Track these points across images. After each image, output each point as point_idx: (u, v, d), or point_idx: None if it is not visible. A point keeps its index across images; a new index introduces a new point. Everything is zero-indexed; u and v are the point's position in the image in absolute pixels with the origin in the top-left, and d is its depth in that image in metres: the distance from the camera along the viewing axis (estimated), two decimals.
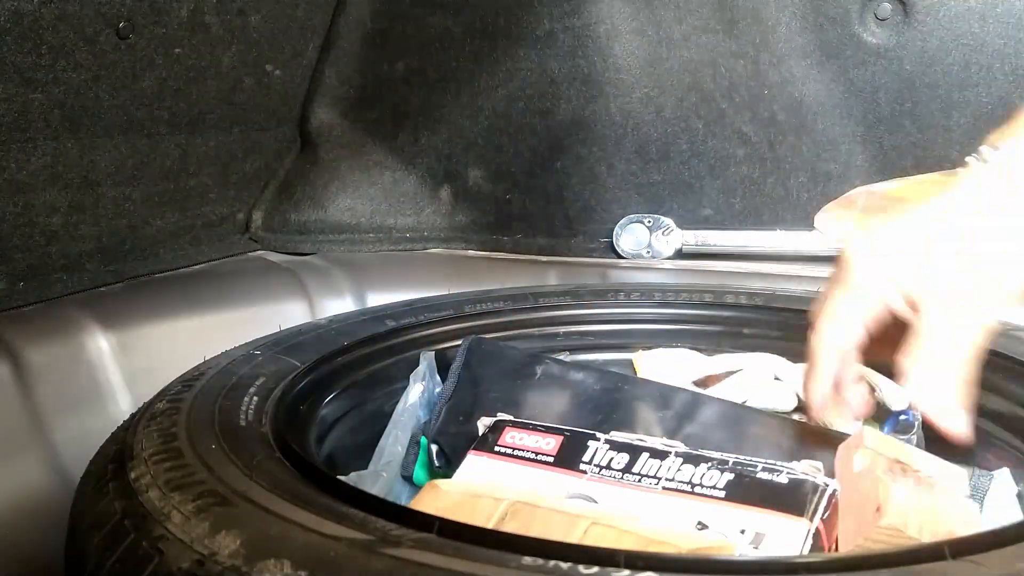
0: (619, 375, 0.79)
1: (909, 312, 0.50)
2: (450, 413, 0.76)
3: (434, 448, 0.74)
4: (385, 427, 0.77)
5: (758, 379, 0.80)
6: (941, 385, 0.49)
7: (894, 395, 0.75)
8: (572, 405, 0.75)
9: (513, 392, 0.76)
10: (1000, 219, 0.48)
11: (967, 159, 0.50)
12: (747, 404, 0.77)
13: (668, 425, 0.70)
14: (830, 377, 0.55)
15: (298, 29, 1.24)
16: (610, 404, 0.73)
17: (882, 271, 0.51)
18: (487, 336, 0.88)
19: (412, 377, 0.80)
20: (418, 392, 0.79)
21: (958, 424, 0.50)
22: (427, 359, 0.81)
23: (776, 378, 0.80)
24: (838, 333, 0.53)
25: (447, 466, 0.70)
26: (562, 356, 0.91)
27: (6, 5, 0.83)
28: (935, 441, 0.72)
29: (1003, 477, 0.66)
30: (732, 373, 0.82)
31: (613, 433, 0.63)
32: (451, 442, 0.72)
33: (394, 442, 0.76)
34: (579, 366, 0.80)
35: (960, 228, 0.49)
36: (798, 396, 0.78)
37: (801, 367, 0.80)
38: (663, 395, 0.73)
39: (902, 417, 0.74)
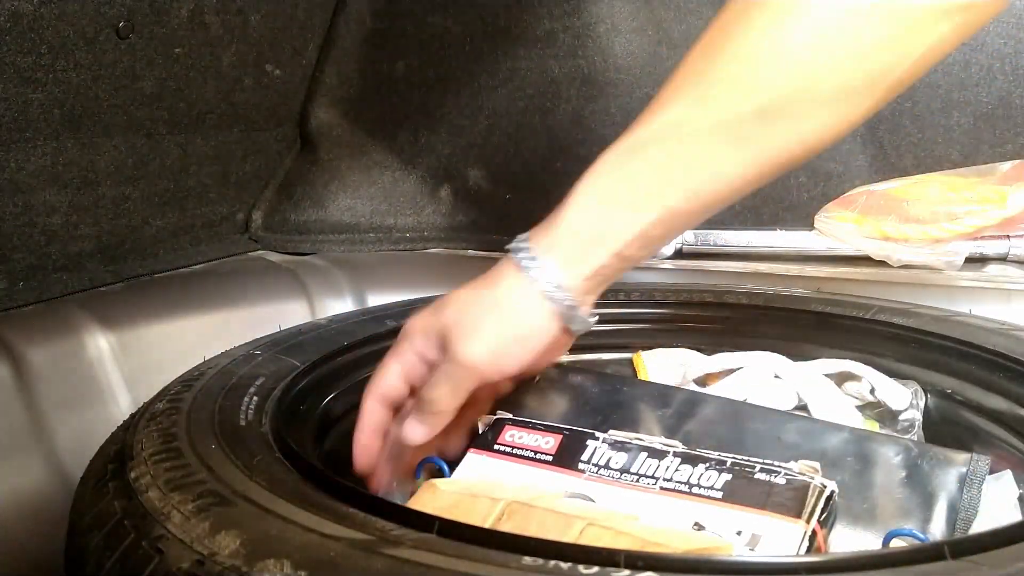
0: (616, 377, 0.79)
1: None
2: None
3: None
4: None
5: (758, 377, 0.80)
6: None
7: (894, 395, 0.75)
8: (571, 407, 0.75)
9: (512, 394, 0.76)
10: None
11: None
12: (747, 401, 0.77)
13: (668, 423, 0.70)
14: (373, 428, 0.61)
15: (298, 29, 1.24)
16: (609, 405, 0.74)
17: (415, 322, 0.59)
18: None
19: None
20: None
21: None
22: None
23: (776, 376, 0.80)
24: (380, 383, 0.60)
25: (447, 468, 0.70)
26: (562, 356, 0.91)
27: (6, 5, 0.83)
28: (935, 440, 0.72)
29: (1005, 480, 0.66)
30: (732, 371, 0.82)
31: (612, 432, 0.63)
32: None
33: None
34: (576, 369, 0.80)
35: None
36: (798, 395, 0.78)
37: (801, 366, 0.81)
38: (662, 395, 0.73)
39: (902, 417, 0.74)
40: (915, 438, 0.72)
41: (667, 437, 0.68)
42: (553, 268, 0.55)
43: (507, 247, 0.58)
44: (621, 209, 0.55)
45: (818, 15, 0.50)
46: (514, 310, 0.55)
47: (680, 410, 0.71)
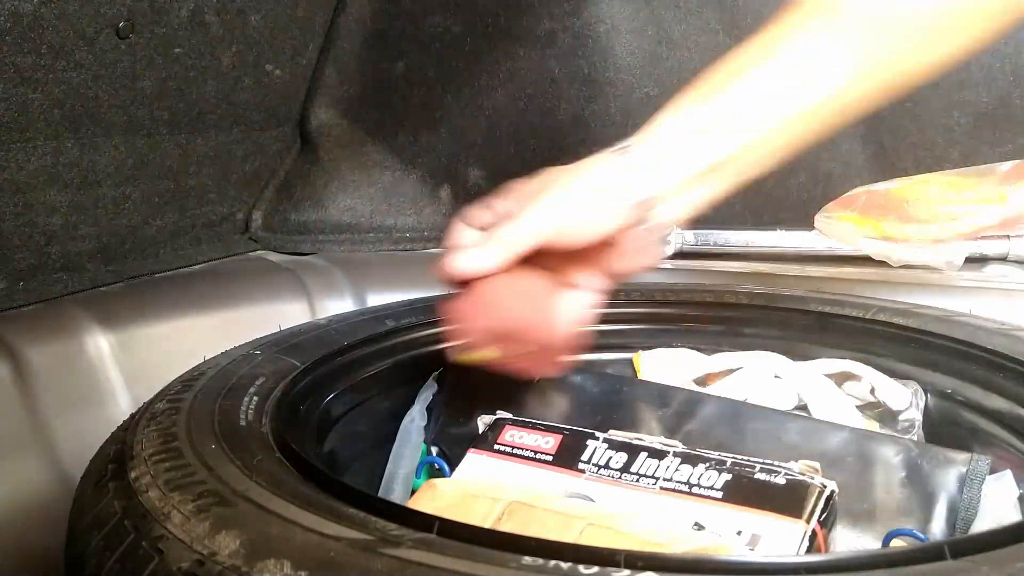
0: (617, 377, 0.79)
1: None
2: (450, 416, 0.76)
3: (434, 450, 0.74)
4: (383, 426, 0.78)
5: (758, 377, 0.80)
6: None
7: (894, 395, 0.75)
8: (571, 407, 0.75)
9: (512, 394, 0.76)
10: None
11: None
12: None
13: (668, 423, 0.70)
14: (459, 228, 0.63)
15: (298, 29, 1.24)
16: (609, 405, 0.74)
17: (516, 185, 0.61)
18: None
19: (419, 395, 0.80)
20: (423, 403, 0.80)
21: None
22: (430, 385, 0.81)
23: (776, 376, 0.80)
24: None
25: (447, 468, 0.70)
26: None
27: (6, 5, 0.83)
28: (935, 440, 0.72)
29: (1005, 480, 0.66)
30: (732, 371, 0.82)
31: (612, 432, 0.63)
32: (450, 444, 0.72)
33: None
34: (576, 369, 0.80)
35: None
36: (798, 395, 0.78)
37: (801, 365, 0.81)
38: (662, 395, 0.73)
39: (902, 417, 0.74)
40: (915, 438, 0.72)
41: (667, 437, 0.68)
42: (641, 163, 0.58)
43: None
44: (700, 130, 0.58)
45: None
46: (593, 185, 0.59)
47: (680, 410, 0.71)
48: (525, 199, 0.60)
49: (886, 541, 0.57)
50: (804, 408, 0.77)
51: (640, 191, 0.58)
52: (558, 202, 0.58)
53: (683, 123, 0.59)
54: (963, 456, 0.60)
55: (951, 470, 0.60)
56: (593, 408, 0.74)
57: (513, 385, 0.77)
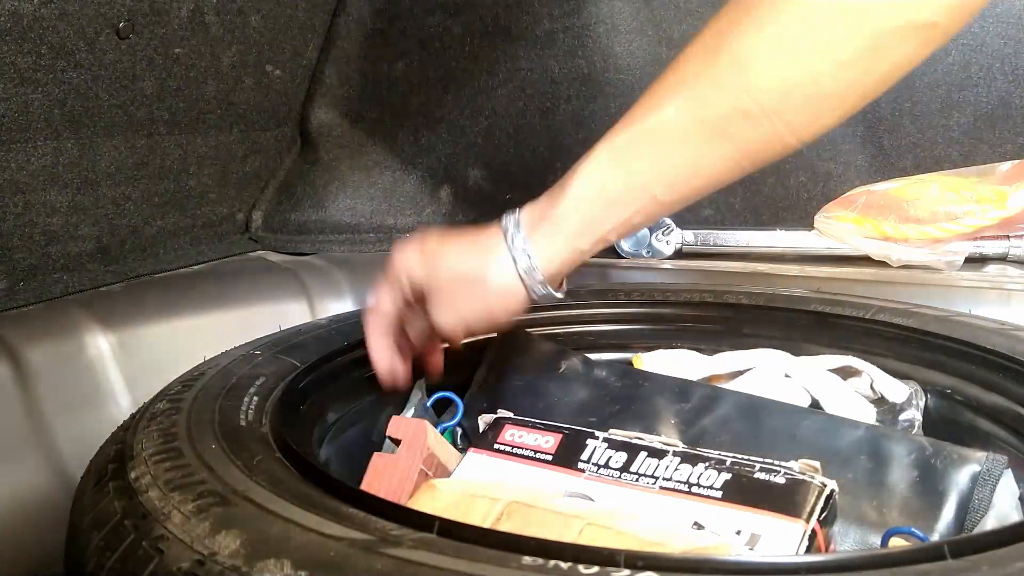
0: (639, 371, 0.80)
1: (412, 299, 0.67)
2: (474, 398, 0.78)
3: (459, 430, 0.75)
4: (383, 426, 0.78)
5: (769, 376, 0.79)
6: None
7: (892, 388, 0.75)
8: (592, 398, 0.75)
9: (536, 385, 0.78)
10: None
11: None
12: None
13: (685, 417, 0.70)
14: (388, 355, 0.70)
15: (298, 29, 1.24)
16: (629, 398, 0.74)
17: (408, 263, 0.66)
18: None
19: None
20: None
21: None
22: (420, 387, 0.81)
23: (786, 375, 0.80)
24: (383, 321, 0.69)
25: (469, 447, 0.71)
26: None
27: (6, 5, 0.83)
28: (934, 435, 0.72)
29: (1005, 479, 0.66)
30: (739, 373, 0.82)
31: (612, 432, 0.63)
32: (474, 424, 0.73)
33: None
34: (601, 363, 0.81)
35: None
36: (809, 392, 0.78)
37: (807, 361, 0.81)
38: (682, 390, 0.74)
39: (902, 417, 0.74)
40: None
41: (684, 431, 0.68)
42: (538, 258, 0.62)
43: (503, 223, 0.64)
44: (613, 202, 0.61)
45: (801, 30, 0.55)
46: (493, 292, 0.63)
47: (699, 405, 0.71)
48: (420, 291, 0.65)
49: (884, 539, 0.57)
50: (817, 405, 0.77)
51: (536, 285, 0.63)
52: (453, 320, 0.64)
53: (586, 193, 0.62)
54: (979, 455, 0.60)
55: (965, 469, 0.59)
56: (613, 399, 0.74)
57: (537, 376, 0.78)
